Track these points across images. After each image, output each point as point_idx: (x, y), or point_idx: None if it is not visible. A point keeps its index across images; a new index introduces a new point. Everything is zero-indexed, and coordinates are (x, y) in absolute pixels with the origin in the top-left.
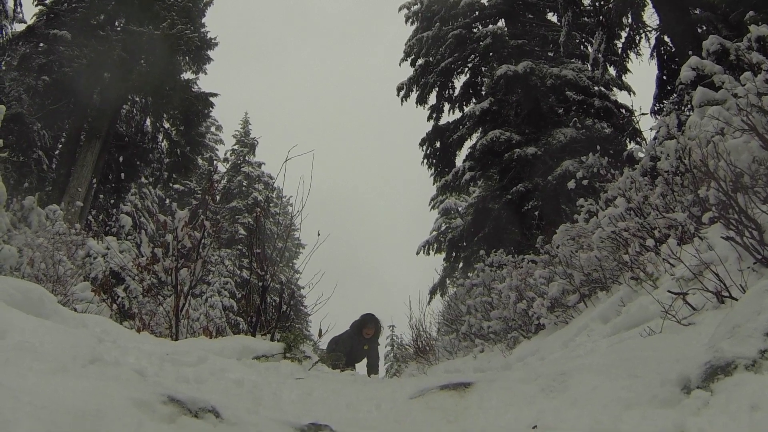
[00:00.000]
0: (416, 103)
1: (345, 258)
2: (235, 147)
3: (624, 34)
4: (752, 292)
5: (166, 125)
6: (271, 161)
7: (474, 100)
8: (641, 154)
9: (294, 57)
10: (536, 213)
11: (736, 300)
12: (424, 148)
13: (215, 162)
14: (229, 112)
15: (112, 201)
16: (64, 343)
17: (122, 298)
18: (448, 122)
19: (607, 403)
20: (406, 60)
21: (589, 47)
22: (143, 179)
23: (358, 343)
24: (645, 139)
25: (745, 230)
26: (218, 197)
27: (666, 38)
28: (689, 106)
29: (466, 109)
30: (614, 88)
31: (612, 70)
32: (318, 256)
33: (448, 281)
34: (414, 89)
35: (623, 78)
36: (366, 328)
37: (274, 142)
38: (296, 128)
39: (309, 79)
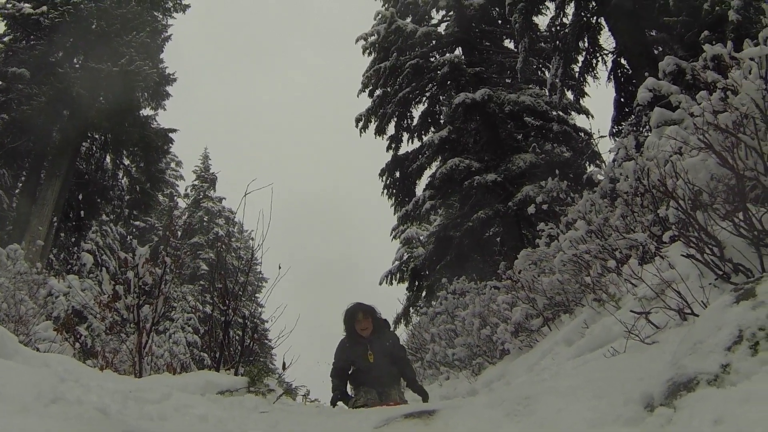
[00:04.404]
0: (375, 133)
1: (339, 268)
2: (196, 182)
3: (581, 59)
4: (713, 308)
5: (126, 162)
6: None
7: (433, 129)
8: (600, 177)
9: (293, 57)
10: (498, 239)
11: (698, 316)
12: (384, 178)
13: (176, 198)
14: (224, 113)
15: (73, 239)
16: (26, 383)
17: (85, 336)
18: (407, 152)
19: (572, 425)
20: (364, 91)
21: (546, 72)
22: (104, 216)
23: (357, 349)
24: (604, 162)
25: (706, 247)
26: (179, 233)
27: (623, 61)
28: (647, 127)
29: (425, 139)
30: (572, 112)
31: (570, 95)
32: (319, 267)
33: (411, 310)
34: (372, 120)
35: (581, 102)
36: (357, 323)
37: (273, 143)
38: (297, 128)
39: (309, 80)
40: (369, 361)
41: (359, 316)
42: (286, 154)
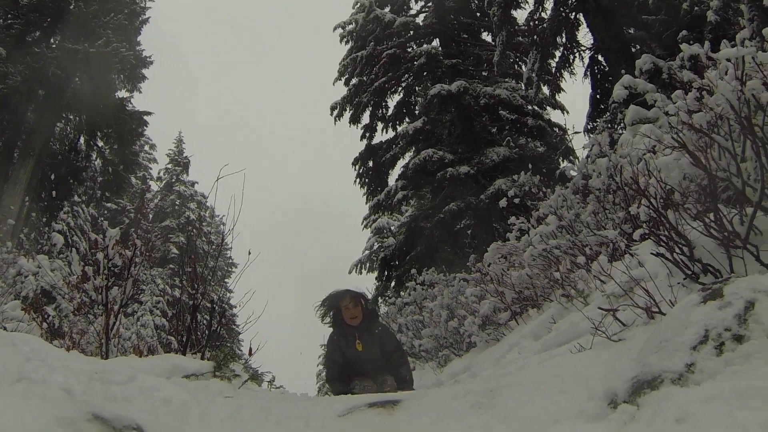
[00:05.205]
0: (349, 122)
1: (323, 261)
2: (169, 166)
3: (558, 54)
4: (680, 307)
5: (100, 143)
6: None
7: (407, 120)
8: (573, 173)
9: (290, 55)
10: (469, 232)
11: (666, 315)
12: (357, 167)
13: (149, 181)
14: (220, 106)
15: (44, 219)
16: None
17: (53, 316)
18: (381, 141)
19: (535, 419)
20: (340, 79)
21: (523, 67)
22: (76, 197)
23: (346, 339)
24: (578, 158)
25: (675, 246)
26: (150, 216)
27: (600, 57)
28: (622, 124)
29: (399, 129)
30: (548, 107)
31: (546, 90)
32: (318, 268)
33: (380, 300)
34: (347, 108)
35: (557, 97)
36: (345, 311)
37: (269, 142)
38: (295, 129)
39: (306, 79)
40: (357, 350)
41: (347, 303)
42: (274, 148)
